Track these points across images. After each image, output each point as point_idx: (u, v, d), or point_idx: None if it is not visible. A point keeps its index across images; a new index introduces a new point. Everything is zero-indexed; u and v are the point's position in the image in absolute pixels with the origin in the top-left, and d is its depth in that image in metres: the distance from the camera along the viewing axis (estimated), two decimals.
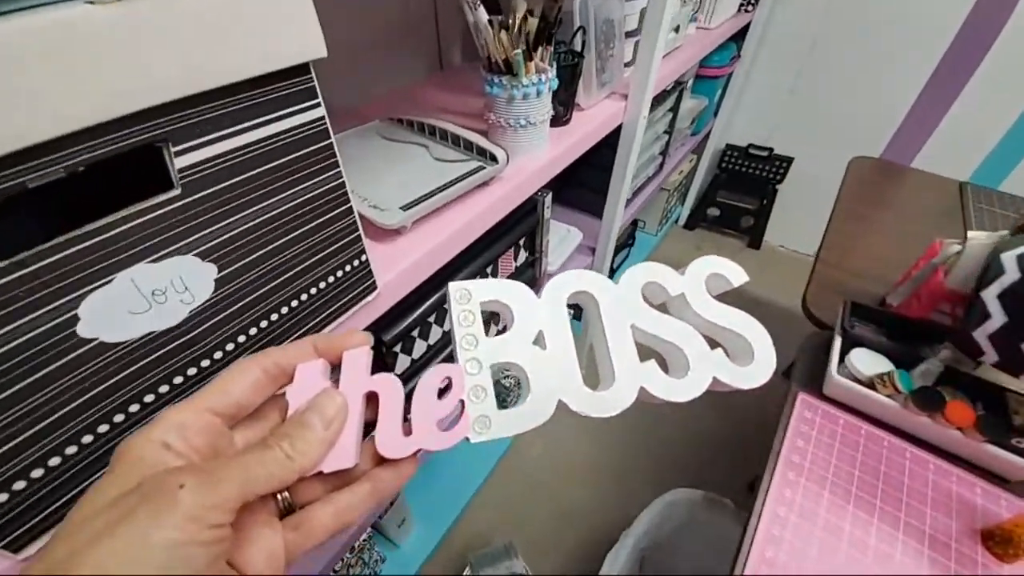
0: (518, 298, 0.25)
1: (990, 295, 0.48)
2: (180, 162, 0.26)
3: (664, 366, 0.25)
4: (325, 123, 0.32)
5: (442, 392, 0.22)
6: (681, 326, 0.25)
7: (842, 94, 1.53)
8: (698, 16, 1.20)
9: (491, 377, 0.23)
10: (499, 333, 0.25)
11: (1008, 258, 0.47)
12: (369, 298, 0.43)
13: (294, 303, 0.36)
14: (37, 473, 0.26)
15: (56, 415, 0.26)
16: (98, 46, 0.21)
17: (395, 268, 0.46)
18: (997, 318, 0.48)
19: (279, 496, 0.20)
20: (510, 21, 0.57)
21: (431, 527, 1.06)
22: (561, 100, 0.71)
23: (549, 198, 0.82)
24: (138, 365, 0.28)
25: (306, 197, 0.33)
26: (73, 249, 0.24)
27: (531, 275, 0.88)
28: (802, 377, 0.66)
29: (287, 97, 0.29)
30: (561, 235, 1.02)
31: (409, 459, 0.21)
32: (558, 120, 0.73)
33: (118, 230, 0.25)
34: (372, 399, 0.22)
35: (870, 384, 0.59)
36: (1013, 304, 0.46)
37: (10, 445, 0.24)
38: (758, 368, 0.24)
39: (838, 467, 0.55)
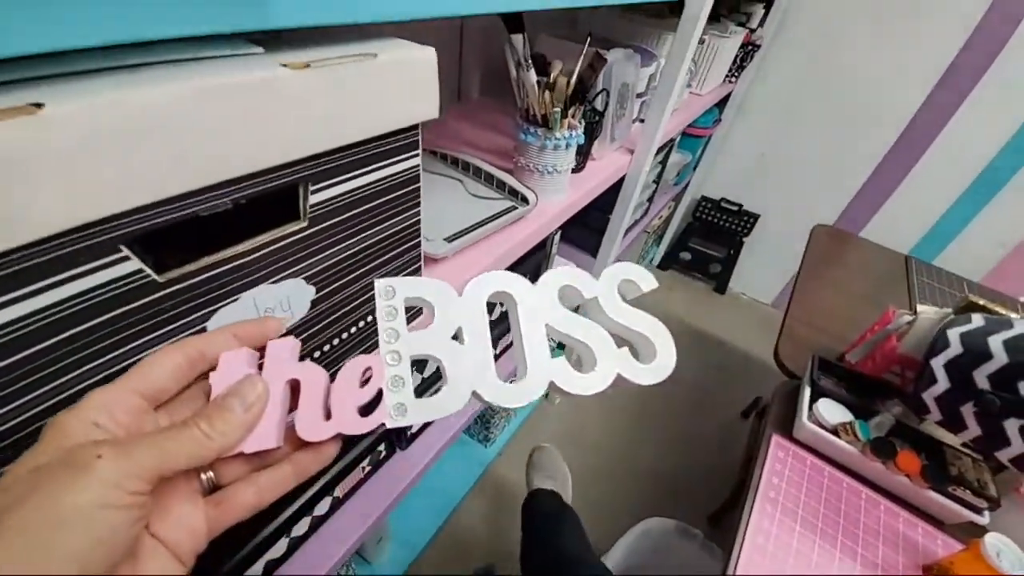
0: (439, 295, 0.26)
1: (937, 364, 0.57)
2: (311, 199, 0.29)
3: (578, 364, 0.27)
4: (419, 168, 0.36)
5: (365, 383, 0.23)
6: (590, 325, 0.27)
7: (806, 162, 1.70)
8: (692, 82, 1.32)
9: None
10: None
11: (953, 335, 0.56)
12: (421, 316, 0.46)
13: (368, 319, 0.39)
14: None
15: None
16: (284, 103, 0.24)
17: None
18: (942, 383, 0.57)
19: (204, 476, 0.21)
20: (550, 80, 0.63)
21: (408, 546, 1.05)
22: (580, 151, 0.77)
23: (558, 236, 0.88)
24: None
25: (394, 230, 0.37)
26: (218, 270, 0.27)
27: None
28: (775, 421, 0.73)
29: (399, 148, 0.33)
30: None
31: (330, 442, 0.23)
32: (576, 168, 0.79)
33: (256, 255, 0.28)
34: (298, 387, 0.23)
35: (834, 431, 0.67)
36: (956, 373, 0.55)
37: None
38: (659, 367, 0.26)
39: (807, 503, 0.62)
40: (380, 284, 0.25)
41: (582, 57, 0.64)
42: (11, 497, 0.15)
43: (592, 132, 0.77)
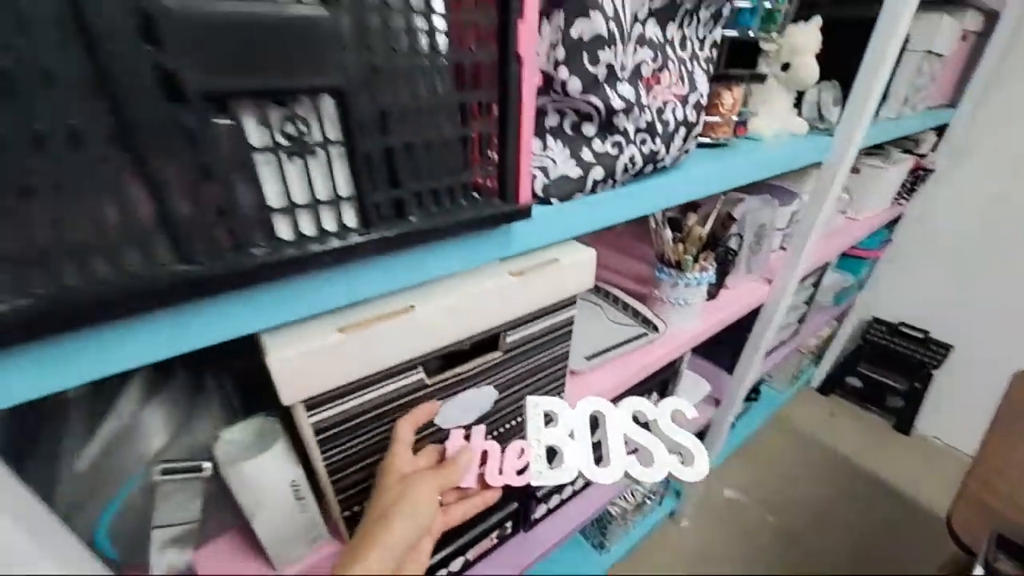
0: (561, 409, 0.41)
1: None
2: (506, 339, 0.47)
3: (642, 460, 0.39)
4: (574, 317, 0.53)
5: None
6: (651, 437, 0.39)
7: (1013, 286, 1.45)
8: (847, 209, 1.32)
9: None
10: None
11: None
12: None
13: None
14: None
15: None
16: (506, 294, 0.43)
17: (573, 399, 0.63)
18: None
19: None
20: (684, 231, 0.77)
21: None
22: (713, 283, 0.87)
23: (688, 356, 0.96)
24: None
25: (552, 355, 0.53)
26: (455, 379, 0.45)
27: None
28: None
29: (563, 306, 0.50)
30: (689, 384, 1.13)
31: (499, 489, 0.38)
32: (708, 296, 0.89)
33: (473, 370, 0.46)
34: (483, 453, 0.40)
35: None
36: None
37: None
38: (697, 471, 0.37)
39: None
40: (529, 400, 0.42)
41: (714, 215, 0.77)
42: (393, 494, 0.33)
43: (725, 268, 0.87)
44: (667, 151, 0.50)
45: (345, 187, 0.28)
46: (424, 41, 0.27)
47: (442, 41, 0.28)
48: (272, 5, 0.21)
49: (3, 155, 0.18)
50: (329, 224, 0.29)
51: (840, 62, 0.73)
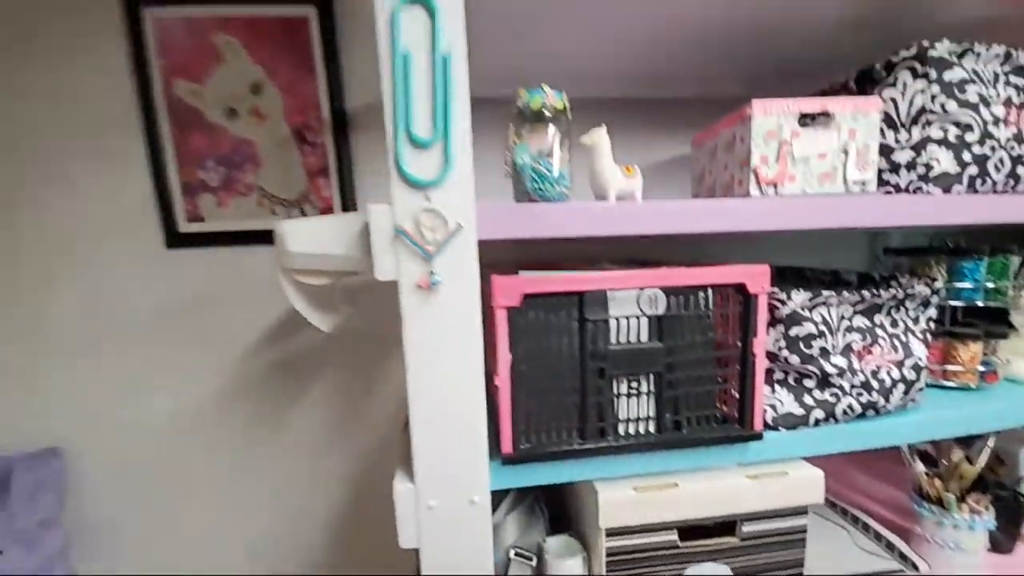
0: None
1: None
2: (743, 528, 0.63)
3: None
4: (806, 522, 0.64)
5: None
6: None
7: None
8: None
9: None
10: None
11: None
12: None
13: None
14: None
15: None
16: (742, 494, 0.62)
17: None
18: None
19: None
20: (944, 462, 0.77)
21: None
22: (1001, 529, 0.78)
23: None
24: None
25: (786, 556, 0.65)
26: (695, 550, 0.63)
27: None
28: None
29: (795, 513, 0.64)
30: None
31: None
32: (997, 546, 0.79)
33: (712, 547, 0.63)
34: None
35: None
36: None
37: None
38: None
39: None
40: None
41: (984, 453, 0.76)
42: None
43: (1016, 516, 0.78)
44: (887, 401, 0.64)
45: (651, 411, 0.57)
46: (707, 335, 0.57)
47: (711, 334, 0.57)
48: (635, 343, 0.54)
49: (596, 396, 0.53)
50: (640, 429, 0.57)
51: None
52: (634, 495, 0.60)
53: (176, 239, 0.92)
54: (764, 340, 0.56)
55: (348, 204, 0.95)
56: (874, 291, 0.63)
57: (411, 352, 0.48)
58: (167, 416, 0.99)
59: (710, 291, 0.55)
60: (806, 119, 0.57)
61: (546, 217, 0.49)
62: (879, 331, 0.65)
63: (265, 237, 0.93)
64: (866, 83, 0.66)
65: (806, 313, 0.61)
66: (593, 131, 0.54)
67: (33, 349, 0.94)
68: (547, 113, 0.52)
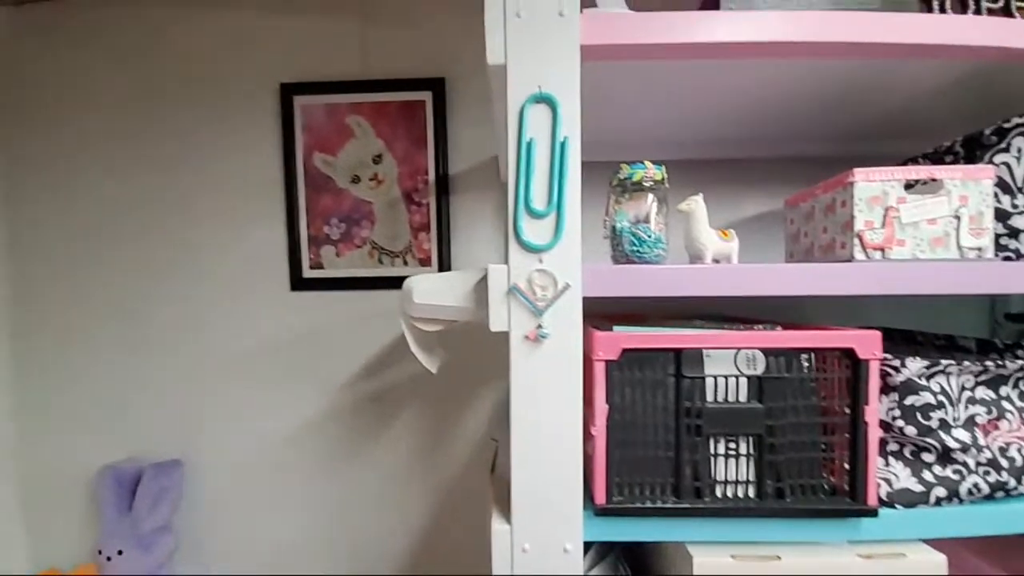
0: None
1: None
2: None
3: None
4: None
5: None
6: None
7: None
8: None
9: None
10: None
11: None
12: None
13: None
14: None
15: None
16: (856, 572, 0.57)
17: None
18: None
19: None
20: None
21: None
22: None
23: None
24: None
25: None
26: None
27: None
28: None
29: None
30: None
31: None
32: None
33: None
34: None
35: None
36: None
37: None
38: None
39: None
40: None
41: None
42: None
43: None
44: (1019, 483, 0.57)
45: (750, 475, 0.56)
46: (810, 399, 0.56)
47: (814, 399, 0.56)
48: (732, 402, 0.55)
49: (692, 454, 0.55)
50: (739, 492, 0.56)
51: None
52: (732, 563, 0.57)
53: (300, 283, 1.07)
54: (876, 409, 0.54)
55: (444, 256, 1.05)
56: (999, 361, 0.58)
57: (516, 398, 0.52)
58: (274, 436, 1.10)
59: (813, 354, 0.55)
60: (913, 185, 0.57)
61: (648, 277, 0.53)
62: (1006, 404, 0.60)
63: (371, 283, 1.06)
64: (975, 148, 0.64)
65: (923, 382, 0.58)
66: (690, 199, 0.58)
67: (179, 373, 1.11)
68: (646, 184, 0.57)
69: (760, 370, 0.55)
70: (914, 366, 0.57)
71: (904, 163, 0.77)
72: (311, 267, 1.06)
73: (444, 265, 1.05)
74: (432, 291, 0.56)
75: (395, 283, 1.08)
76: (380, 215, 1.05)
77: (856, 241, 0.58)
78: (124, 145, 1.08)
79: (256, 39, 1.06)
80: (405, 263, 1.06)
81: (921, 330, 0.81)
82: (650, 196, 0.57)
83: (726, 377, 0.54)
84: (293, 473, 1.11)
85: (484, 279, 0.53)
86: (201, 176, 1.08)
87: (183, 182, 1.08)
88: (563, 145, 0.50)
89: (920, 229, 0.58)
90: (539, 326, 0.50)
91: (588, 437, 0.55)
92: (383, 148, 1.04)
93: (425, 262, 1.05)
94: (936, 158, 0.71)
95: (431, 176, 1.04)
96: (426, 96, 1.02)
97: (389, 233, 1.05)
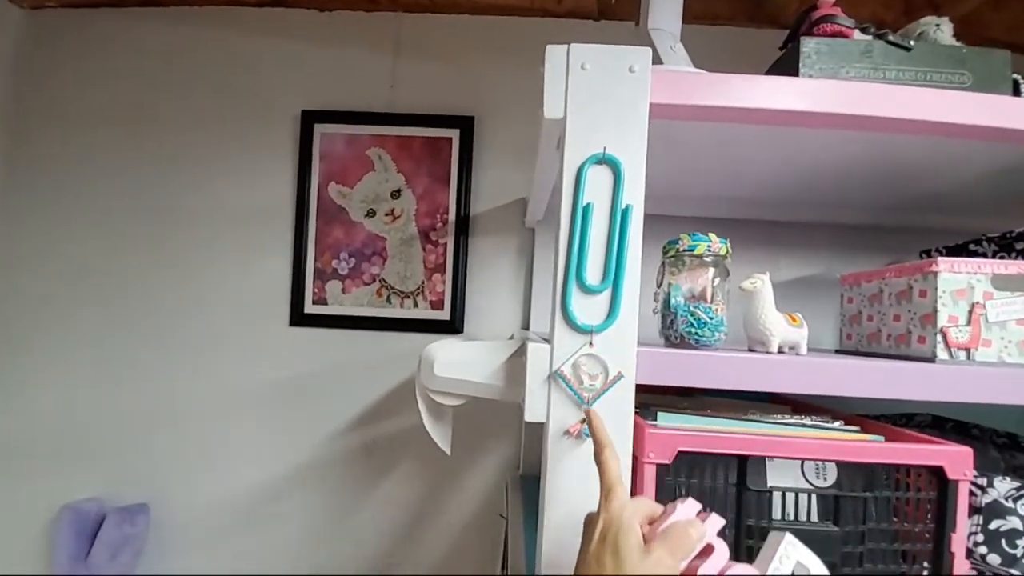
0: None
1: None
2: None
3: None
4: None
5: None
6: None
7: None
8: None
9: None
10: None
11: None
12: None
13: None
14: None
15: None
16: None
17: None
18: None
19: None
20: None
21: None
22: None
23: None
24: None
25: None
26: None
27: None
28: None
29: None
30: None
31: None
32: None
33: None
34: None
35: None
36: None
37: None
38: None
39: None
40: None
41: None
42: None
43: None
44: None
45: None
46: (890, 521, 0.48)
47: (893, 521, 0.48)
48: (802, 522, 0.47)
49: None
50: None
51: None
52: None
53: (300, 318, 0.99)
54: (964, 537, 0.46)
55: (457, 300, 0.98)
56: None
57: (551, 501, 0.44)
58: (253, 485, 1.00)
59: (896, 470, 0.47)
60: (999, 280, 0.51)
61: (709, 366, 0.46)
62: None
63: (377, 324, 0.98)
64: None
65: (1010, 505, 0.50)
66: (755, 276, 0.51)
67: (155, 409, 1.01)
68: (707, 259, 0.50)
69: (831, 481, 0.48)
70: (1002, 487, 0.50)
71: (967, 244, 0.72)
72: (314, 302, 0.98)
73: (457, 310, 0.98)
74: (457, 363, 0.49)
75: (402, 325, 1.02)
76: (393, 252, 0.98)
77: (940, 338, 0.51)
78: (131, 160, 1.02)
79: (281, 63, 1.02)
80: (415, 305, 0.98)
81: (977, 423, 0.74)
82: (711, 271, 0.51)
83: (796, 493, 0.46)
84: (271, 527, 1.00)
85: (519, 354, 0.46)
86: (209, 199, 1.01)
87: (189, 204, 1.01)
88: (625, 213, 0.43)
89: (1008, 329, 0.52)
90: (583, 420, 0.43)
91: None
92: (403, 183, 0.98)
93: (437, 305, 0.98)
94: (1007, 244, 0.66)
95: (451, 215, 0.98)
96: (453, 134, 0.97)
97: (401, 272, 0.98)
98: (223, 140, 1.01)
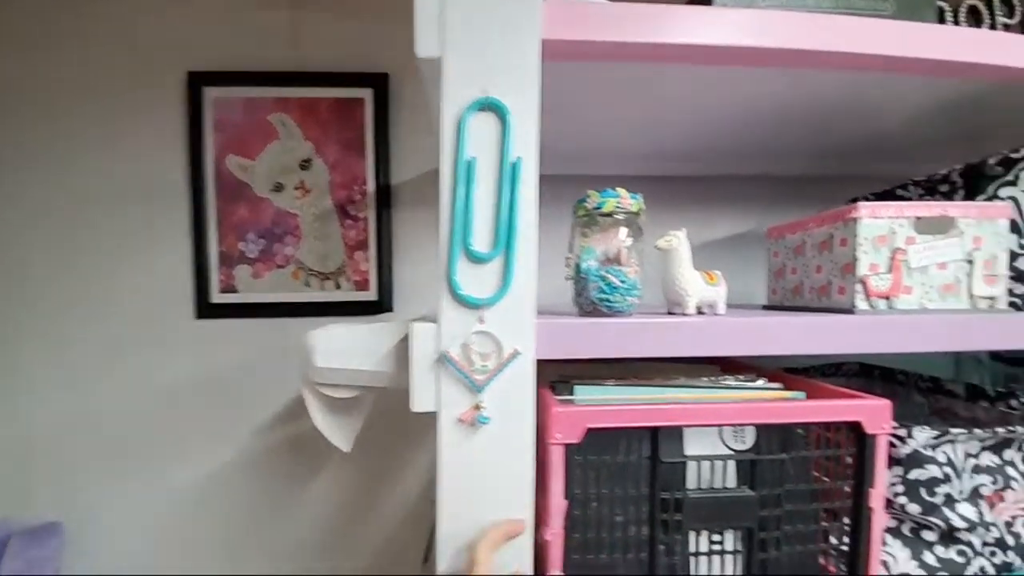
0: None
1: None
2: None
3: None
4: None
5: None
6: None
7: None
8: None
9: None
10: None
11: None
12: None
13: None
14: None
15: None
16: None
17: None
18: None
19: None
20: None
21: None
22: None
23: None
24: None
25: None
26: None
27: None
28: None
29: None
30: None
31: None
32: None
33: None
34: None
35: None
36: None
37: None
38: None
39: None
40: None
41: None
42: None
43: None
44: None
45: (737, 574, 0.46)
46: (809, 481, 0.46)
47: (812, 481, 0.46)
48: (718, 489, 0.44)
49: (669, 557, 0.43)
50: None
51: None
52: None
53: (207, 309, 0.89)
54: (883, 492, 0.45)
55: (384, 279, 0.90)
56: (1009, 428, 0.51)
57: (445, 496, 0.40)
58: (176, 493, 0.92)
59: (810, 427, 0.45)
60: (922, 224, 0.49)
61: (617, 336, 0.42)
62: (1011, 470, 0.53)
63: (296, 309, 0.90)
64: (977, 179, 0.57)
65: (929, 453, 0.50)
66: (671, 235, 0.47)
67: (59, 419, 0.90)
68: (618, 216, 0.45)
69: (749, 443, 0.45)
70: (922, 437, 0.49)
71: (894, 189, 0.70)
72: (222, 290, 0.89)
73: (384, 289, 0.90)
74: (339, 352, 0.43)
75: (325, 309, 0.93)
76: (307, 230, 0.89)
77: (859, 288, 0.49)
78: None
79: (162, 20, 0.88)
80: (338, 286, 0.90)
81: (903, 369, 0.75)
82: (623, 230, 0.46)
83: (711, 460, 0.43)
84: (199, 536, 0.93)
85: (407, 338, 0.40)
86: (92, 180, 0.88)
87: (69, 186, 0.88)
88: (515, 167, 0.38)
89: (929, 275, 0.50)
90: (477, 406, 0.38)
91: (541, 541, 0.43)
92: (312, 152, 0.88)
93: (362, 285, 0.91)
94: (931, 187, 0.64)
95: (370, 186, 0.89)
96: (366, 93, 0.87)
97: (318, 251, 0.89)
98: (104, 112, 0.88)
